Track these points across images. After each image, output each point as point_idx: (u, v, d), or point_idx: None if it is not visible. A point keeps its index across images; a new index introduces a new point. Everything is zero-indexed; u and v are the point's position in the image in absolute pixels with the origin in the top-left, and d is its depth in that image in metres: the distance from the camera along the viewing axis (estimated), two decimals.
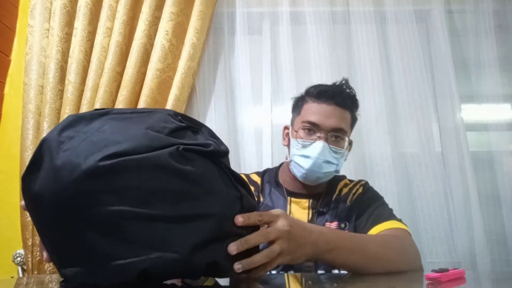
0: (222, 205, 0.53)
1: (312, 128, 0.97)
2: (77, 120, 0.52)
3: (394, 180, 1.45)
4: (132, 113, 0.55)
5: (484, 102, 1.58)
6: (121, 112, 0.55)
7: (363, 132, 1.50)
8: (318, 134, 0.96)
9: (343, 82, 1.03)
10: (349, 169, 1.43)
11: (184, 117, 0.58)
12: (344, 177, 1.10)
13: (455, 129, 1.52)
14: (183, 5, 1.50)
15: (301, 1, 1.63)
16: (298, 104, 1.05)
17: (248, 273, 0.58)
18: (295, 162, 0.99)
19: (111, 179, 0.46)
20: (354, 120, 1.05)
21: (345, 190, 1.05)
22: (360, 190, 1.03)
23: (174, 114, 0.56)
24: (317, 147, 0.95)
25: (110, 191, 0.46)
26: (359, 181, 1.08)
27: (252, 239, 0.56)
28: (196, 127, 0.58)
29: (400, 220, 0.94)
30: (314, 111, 0.99)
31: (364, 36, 1.59)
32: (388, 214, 0.95)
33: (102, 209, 0.46)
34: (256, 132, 1.55)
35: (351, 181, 1.09)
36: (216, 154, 0.55)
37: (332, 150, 0.96)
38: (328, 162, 0.96)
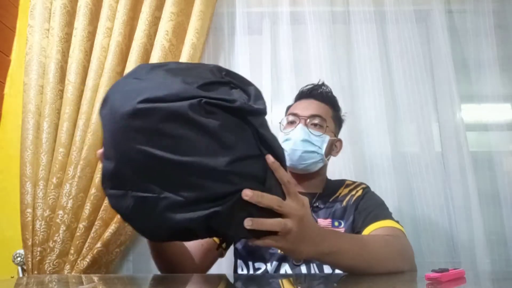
0: (234, 162, 0.52)
1: (293, 119, 1.08)
2: (141, 68, 0.59)
3: (394, 180, 1.45)
4: (185, 68, 0.58)
5: (484, 102, 1.58)
6: (177, 66, 0.59)
7: (363, 132, 1.50)
8: (297, 122, 1.06)
9: (321, 82, 1.16)
10: (349, 169, 1.43)
11: (229, 73, 0.60)
12: (344, 181, 1.13)
13: (455, 129, 1.52)
14: (183, 5, 1.50)
15: (301, 1, 1.63)
16: (286, 111, 1.17)
17: (252, 237, 0.57)
18: None
19: (142, 120, 0.51)
20: (336, 117, 1.13)
21: (345, 191, 1.07)
22: (360, 192, 1.06)
23: (218, 70, 0.58)
24: (297, 129, 1.04)
25: (140, 130, 0.51)
26: (360, 183, 1.10)
27: (268, 224, 0.56)
28: (238, 84, 0.59)
29: (397, 222, 0.96)
30: (295, 106, 1.13)
31: (364, 36, 1.59)
32: (385, 215, 0.97)
33: (135, 146, 0.51)
34: None
35: (353, 182, 1.11)
36: (243, 111, 0.54)
37: (311, 132, 1.04)
38: (307, 141, 1.03)
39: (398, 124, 1.54)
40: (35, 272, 1.30)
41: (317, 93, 1.12)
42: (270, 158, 0.56)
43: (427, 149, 1.49)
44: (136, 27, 1.48)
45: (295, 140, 1.03)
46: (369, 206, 1.00)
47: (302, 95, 1.15)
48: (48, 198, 1.33)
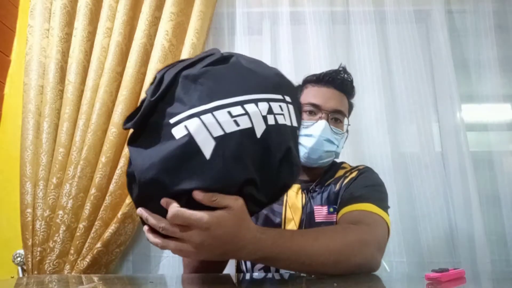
0: None
1: (313, 110, 1.00)
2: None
3: (394, 180, 1.45)
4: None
5: (484, 102, 1.58)
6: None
7: (363, 132, 1.51)
8: (319, 115, 0.99)
9: (341, 68, 1.06)
10: None
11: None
12: (343, 162, 1.09)
13: (455, 129, 1.52)
14: (183, 5, 1.50)
15: (301, 1, 1.63)
16: (299, 91, 1.07)
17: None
18: (299, 143, 0.99)
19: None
20: (350, 106, 1.08)
21: (341, 173, 1.03)
22: (354, 174, 0.99)
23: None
24: (320, 126, 0.97)
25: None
26: (358, 166, 1.05)
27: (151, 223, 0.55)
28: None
29: (383, 208, 0.86)
30: (315, 94, 1.02)
31: (364, 36, 1.59)
32: (367, 197, 0.88)
33: None
34: None
35: (350, 166, 1.07)
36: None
37: (333, 130, 0.99)
38: (330, 141, 0.98)
39: (398, 124, 1.54)
40: (35, 272, 1.30)
41: (339, 81, 1.03)
42: (198, 195, 0.52)
43: (427, 149, 1.49)
44: (136, 27, 1.48)
45: (318, 139, 0.97)
46: (357, 187, 0.93)
47: (323, 81, 1.03)
48: (48, 198, 1.34)
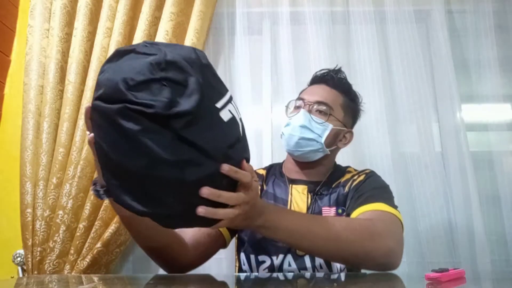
0: (151, 169, 0.55)
1: (299, 104, 1.05)
2: (114, 55, 0.61)
3: (394, 180, 1.45)
4: (143, 54, 0.58)
5: (484, 102, 1.58)
6: (140, 52, 0.59)
7: (363, 132, 1.50)
8: (302, 107, 1.03)
9: (336, 67, 1.10)
10: None
11: (173, 67, 0.57)
12: (347, 167, 1.11)
13: (455, 129, 1.52)
14: (183, 5, 1.50)
15: (301, 1, 1.63)
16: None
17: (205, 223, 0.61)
18: (282, 134, 1.05)
19: (93, 117, 0.58)
20: (349, 106, 1.08)
21: (348, 176, 1.05)
22: (362, 177, 1.02)
23: (159, 63, 0.56)
24: (298, 115, 1.02)
25: (95, 125, 0.59)
26: (364, 170, 1.07)
27: (225, 197, 0.59)
28: (177, 78, 0.57)
29: (393, 206, 0.90)
30: (306, 91, 1.09)
31: (364, 36, 1.59)
32: (378, 197, 0.91)
33: (95, 139, 0.58)
34: (256, 132, 1.55)
35: (356, 170, 1.09)
36: (161, 117, 0.54)
37: (313, 119, 1.01)
38: (306, 127, 1.00)
39: (398, 124, 1.54)
40: (35, 272, 1.30)
41: (329, 78, 1.07)
42: (225, 168, 0.57)
43: (427, 149, 1.49)
44: (136, 27, 1.48)
45: (294, 126, 1.01)
46: (366, 189, 0.95)
47: (315, 80, 1.10)
48: (48, 198, 1.34)
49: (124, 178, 0.58)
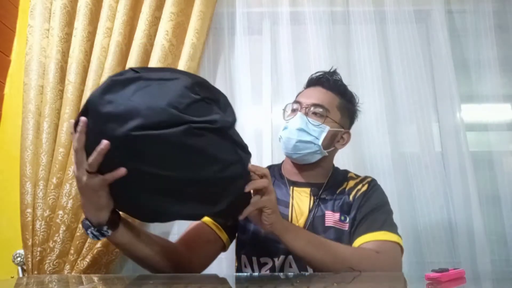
0: (224, 172, 0.66)
1: (296, 107, 1.06)
2: (113, 85, 0.64)
3: (394, 180, 1.45)
4: (159, 80, 0.65)
5: (484, 102, 1.58)
6: (149, 78, 0.65)
7: (363, 132, 1.50)
8: (299, 110, 1.04)
9: (331, 70, 1.11)
10: (349, 169, 1.43)
11: (201, 87, 0.67)
12: (347, 172, 1.12)
13: (455, 129, 1.52)
14: (183, 5, 1.50)
15: (301, 1, 1.63)
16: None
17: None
18: (280, 137, 1.05)
19: (138, 146, 0.61)
20: (346, 107, 1.08)
21: (351, 183, 1.05)
22: (365, 187, 1.03)
23: (191, 86, 0.65)
24: (295, 118, 1.02)
25: (137, 154, 0.61)
26: (366, 177, 1.08)
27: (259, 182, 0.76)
28: (211, 96, 0.67)
29: (394, 231, 0.94)
30: (302, 93, 1.10)
31: (364, 36, 1.59)
32: (381, 223, 0.95)
33: (130, 167, 0.62)
34: (256, 132, 1.55)
35: (357, 176, 1.10)
36: (223, 129, 0.66)
37: (309, 122, 1.01)
38: (303, 130, 1.00)
39: (398, 124, 1.54)
40: (35, 272, 1.30)
41: (324, 80, 1.08)
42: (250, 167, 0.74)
43: (427, 149, 1.49)
44: (136, 27, 1.48)
45: (291, 129, 1.01)
46: (368, 208, 0.98)
47: (311, 82, 1.11)
48: (48, 198, 1.33)
49: (198, 189, 0.66)
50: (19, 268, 1.39)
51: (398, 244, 0.92)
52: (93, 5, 1.48)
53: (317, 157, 1.04)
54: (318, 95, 1.05)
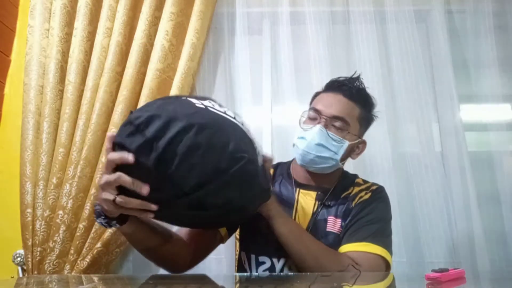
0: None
1: (315, 116, 1.00)
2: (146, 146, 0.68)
3: (394, 180, 1.45)
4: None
5: (483, 102, 1.58)
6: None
7: None
8: (318, 120, 0.99)
9: (354, 76, 1.04)
10: (349, 169, 1.43)
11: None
12: (356, 176, 1.09)
13: (455, 129, 1.52)
14: (183, 5, 1.50)
15: (301, 1, 1.63)
16: (312, 99, 1.08)
17: None
18: (295, 145, 1.01)
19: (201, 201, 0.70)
20: (365, 117, 1.04)
21: (356, 189, 1.03)
22: (367, 196, 1.00)
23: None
24: (314, 130, 0.97)
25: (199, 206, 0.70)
26: (372, 185, 1.05)
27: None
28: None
29: (381, 244, 0.91)
30: (320, 99, 1.02)
31: (364, 36, 1.59)
32: (368, 234, 0.92)
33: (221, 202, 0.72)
34: (256, 132, 1.53)
35: (365, 182, 1.07)
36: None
37: (329, 136, 0.96)
38: (323, 146, 0.96)
39: (398, 124, 1.54)
40: (35, 272, 1.30)
41: (347, 88, 1.00)
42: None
43: (427, 149, 1.49)
44: (136, 27, 1.48)
45: (309, 142, 0.96)
46: (360, 219, 0.96)
47: (331, 87, 1.02)
48: (48, 198, 1.33)
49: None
50: (19, 268, 1.39)
51: (383, 258, 0.90)
52: (93, 5, 1.48)
53: (333, 169, 1.01)
54: (339, 106, 0.98)
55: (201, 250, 0.98)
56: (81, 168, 1.33)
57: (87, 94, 1.41)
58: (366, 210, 0.97)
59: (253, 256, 0.99)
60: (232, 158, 0.68)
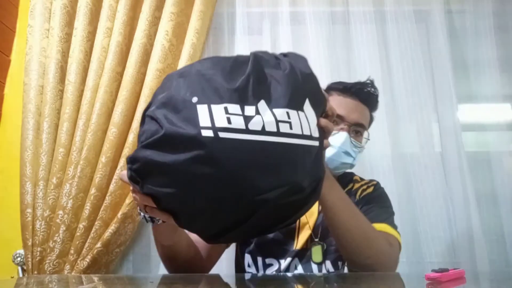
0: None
1: (336, 120, 0.99)
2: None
3: (394, 180, 1.45)
4: None
5: (483, 103, 1.59)
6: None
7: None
8: (341, 126, 0.99)
9: (368, 81, 1.06)
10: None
11: None
12: (353, 174, 1.12)
13: (454, 129, 1.52)
14: (183, 5, 1.50)
15: (301, 1, 1.63)
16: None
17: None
18: None
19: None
20: (371, 119, 1.09)
21: (356, 185, 1.06)
22: (370, 189, 1.04)
23: None
24: (341, 137, 0.97)
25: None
26: (371, 180, 1.09)
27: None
28: None
29: (395, 228, 0.94)
30: (339, 103, 1.01)
31: (364, 36, 1.59)
32: (383, 218, 0.95)
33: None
34: None
35: (362, 179, 1.10)
36: None
37: (352, 143, 0.99)
38: (348, 153, 0.98)
39: (398, 124, 1.54)
40: (35, 272, 1.30)
41: (365, 94, 1.04)
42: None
43: (426, 149, 1.49)
44: (136, 27, 1.48)
45: (337, 150, 0.97)
46: (372, 206, 0.98)
47: (349, 92, 1.03)
48: (48, 198, 1.34)
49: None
50: (19, 268, 1.39)
51: (398, 242, 0.92)
52: (93, 5, 1.48)
53: (344, 170, 1.04)
54: (359, 113, 1.02)
55: (213, 257, 0.98)
56: (81, 168, 1.33)
57: (87, 94, 1.41)
58: (375, 200, 1.00)
59: (260, 259, 0.98)
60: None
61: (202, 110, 0.53)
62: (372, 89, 1.05)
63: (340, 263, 0.96)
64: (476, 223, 1.41)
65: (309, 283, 0.71)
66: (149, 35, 1.46)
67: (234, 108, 0.53)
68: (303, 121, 0.57)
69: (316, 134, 0.59)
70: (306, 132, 0.57)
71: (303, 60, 0.64)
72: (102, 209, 1.33)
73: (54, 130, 1.40)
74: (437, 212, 1.43)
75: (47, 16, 1.50)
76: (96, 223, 1.32)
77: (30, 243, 1.32)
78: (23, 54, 1.50)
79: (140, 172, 0.56)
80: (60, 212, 1.32)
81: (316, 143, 0.59)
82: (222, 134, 0.51)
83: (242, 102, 0.54)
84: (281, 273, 0.95)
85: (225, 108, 0.53)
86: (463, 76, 1.61)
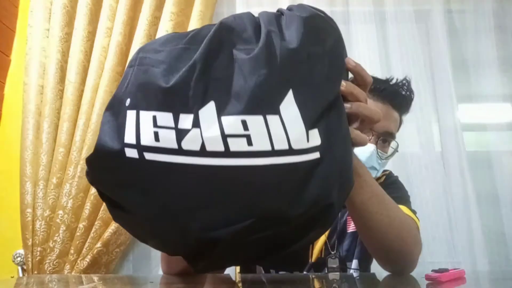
0: None
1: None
2: None
3: None
4: None
5: (483, 102, 1.59)
6: None
7: None
8: (368, 136, 0.85)
9: (405, 82, 0.91)
10: None
11: None
12: None
13: (454, 129, 1.52)
14: (183, 5, 1.50)
15: (301, 1, 1.63)
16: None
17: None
18: None
19: None
20: (400, 124, 1.00)
21: None
22: (382, 179, 0.98)
23: None
24: (367, 151, 0.85)
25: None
26: (384, 170, 1.02)
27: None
28: None
29: (414, 213, 0.88)
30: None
31: (364, 36, 1.59)
32: (405, 200, 0.88)
33: None
34: None
35: None
36: None
37: (379, 155, 0.88)
38: (373, 168, 0.88)
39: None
40: (35, 272, 1.30)
41: (399, 99, 0.90)
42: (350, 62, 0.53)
43: (427, 149, 1.49)
44: (136, 27, 1.48)
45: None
46: (391, 189, 0.86)
47: (381, 94, 0.88)
48: (48, 198, 1.34)
49: None
50: (19, 268, 1.39)
51: (418, 226, 0.85)
52: (93, 5, 1.48)
53: None
54: (390, 119, 0.89)
55: None
56: (81, 168, 1.33)
57: (87, 94, 1.41)
58: (388, 187, 0.88)
59: (272, 272, 0.94)
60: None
61: (130, 119, 0.39)
62: (408, 92, 0.91)
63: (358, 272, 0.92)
64: (476, 223, 1.41)
65: (307, 282, 0.71)
66: (149, 35, 1.46)
67: (165, 117, 0.37)
68: (275, 129, 0.38)
69: (305, 144, 0.39)
70: (280, 146, 0.38)
71: (305, 17, 0.44)
72: (102, 209, 1.33)
73: (54, 130, 1.40)
74: (437, 212, 1.43)
75: (47, 16, 1.50)
76: (96, 223, 1.32)
77: (30, 243, 1.32)
78: (23, 54, 1.50)
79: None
80: (60, 212, 1.32)
81: (308, 157, 0.40)
82: (148, 156, 0.37)
83: (177, 108, 0.38)
84: (282, 273, 0.95)
85: (154, 118, 0.38)
86: (463, 76, 1.60)
